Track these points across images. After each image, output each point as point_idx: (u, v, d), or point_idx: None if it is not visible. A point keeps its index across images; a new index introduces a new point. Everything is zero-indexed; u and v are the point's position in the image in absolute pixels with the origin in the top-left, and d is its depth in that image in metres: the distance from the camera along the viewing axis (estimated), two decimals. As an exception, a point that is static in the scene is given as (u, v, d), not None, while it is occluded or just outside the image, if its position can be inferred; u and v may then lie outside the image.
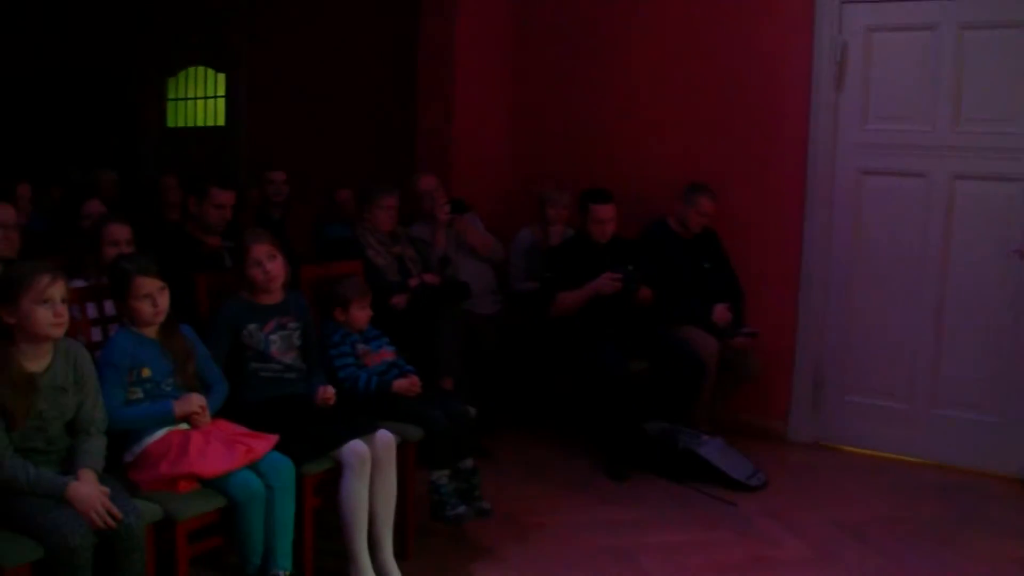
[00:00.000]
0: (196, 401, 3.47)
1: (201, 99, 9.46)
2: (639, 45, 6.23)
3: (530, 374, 5.92)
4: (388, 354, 4.31)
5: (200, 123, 9.45)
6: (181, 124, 9.64)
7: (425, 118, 6.56)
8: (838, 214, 5.68)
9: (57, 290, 3.04)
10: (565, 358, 5.58)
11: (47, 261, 3.37)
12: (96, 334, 3.72)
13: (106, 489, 3.00)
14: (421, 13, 6.58)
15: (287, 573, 3.46)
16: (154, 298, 3.45)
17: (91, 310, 3.76)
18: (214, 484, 3.32)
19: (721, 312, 5.53)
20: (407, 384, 4.16)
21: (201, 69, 9.40)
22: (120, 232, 4.28)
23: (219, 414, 3.60)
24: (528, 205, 6.32)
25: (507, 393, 5.80)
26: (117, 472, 3.31)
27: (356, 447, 3.65)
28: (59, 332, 3.07)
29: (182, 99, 9.65)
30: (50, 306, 3.01)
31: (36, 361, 3.06)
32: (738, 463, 5.11)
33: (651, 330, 5.43)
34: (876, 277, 5.63)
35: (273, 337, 3.92)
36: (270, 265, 3.92)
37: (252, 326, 3.88)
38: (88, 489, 2.96)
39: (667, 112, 6.16)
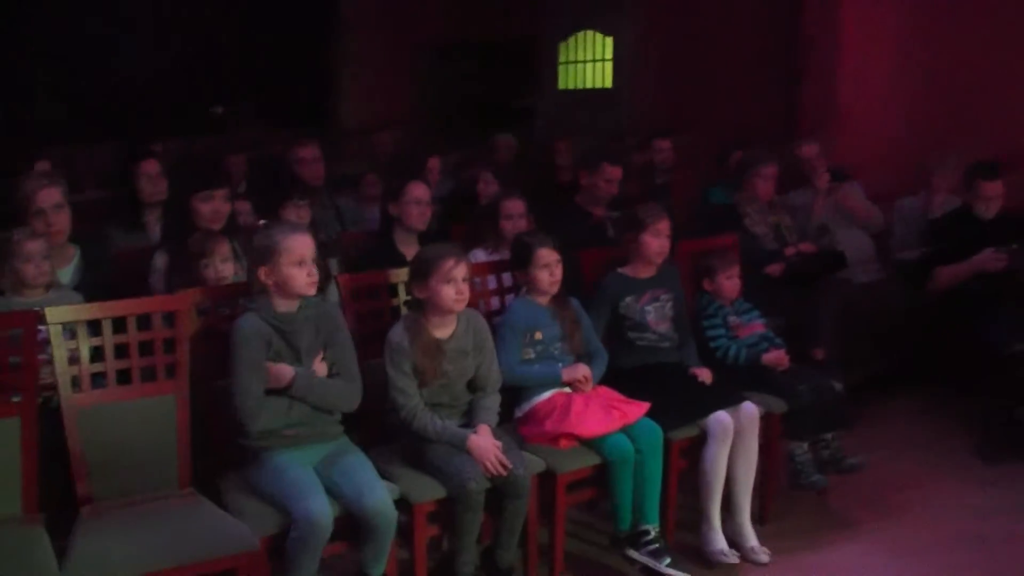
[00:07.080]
0: (582, 371, 3.87)
1: (590, 62, 9.89)
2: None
3: (907, 345, 5.80)
4: (759, 326, 4.49)
5: (588, 86, 9.89)
6: (571, 87, 10.11)
7: (808, 84, 6.54)
8: None
9: (460, 271, 3.52)
10: (946, 331, 5.43)
11: (453, 239, 3.88)
12: (495, 303, 4.20)
13: (499, 443, 3.47)
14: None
15: (655, 528, 3.79)
16: (551, 268, 3.89)
17: (491, 281, 4.25)
18: (591, 444, 3.71)
19: None
20: (775, 358, 4.33)
21: (591, 33, 9.81)
22: (515, 207, 4.72)
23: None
24: (914, 172, 6.15)
25: (882, 363, 5.73)
26: (508, 425, 3.78)
27: (721, 418, 3.89)
28: (461, 307, 3.57)
29: (572, 62, 10.12)
30: (454, 285, 3.51)
31: (443, 329, 3.59)
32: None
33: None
34: None
35: (648, 308, 4.21)
36: (663, 240, 4.20)
37: (629, 298, 4.19)
38: (485, 441, 3.45)
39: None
